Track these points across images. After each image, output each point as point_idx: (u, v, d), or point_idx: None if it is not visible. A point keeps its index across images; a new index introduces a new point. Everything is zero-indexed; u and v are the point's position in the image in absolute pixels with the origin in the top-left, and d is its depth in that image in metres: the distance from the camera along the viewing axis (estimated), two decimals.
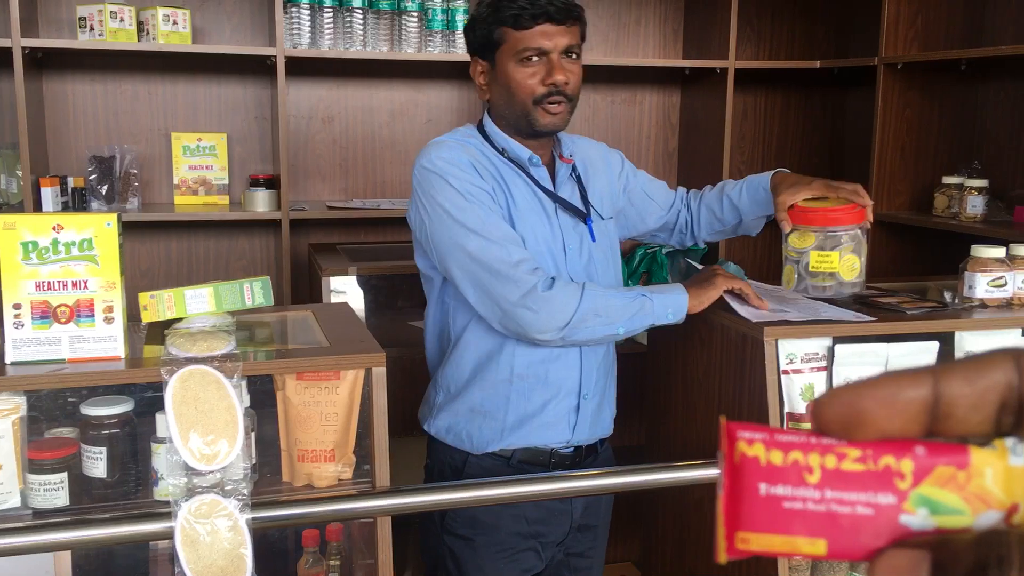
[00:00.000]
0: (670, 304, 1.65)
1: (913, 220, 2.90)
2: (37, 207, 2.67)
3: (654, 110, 3.53)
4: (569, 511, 1.79)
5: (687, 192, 2.00)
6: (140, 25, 2.78)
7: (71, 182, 2.82)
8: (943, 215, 2.81)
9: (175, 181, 3.03)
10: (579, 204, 1.78)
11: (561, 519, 1.78)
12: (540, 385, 1.73)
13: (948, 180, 2.81)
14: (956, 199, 2.76)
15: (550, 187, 1.75)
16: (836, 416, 0.35)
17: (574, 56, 1.69)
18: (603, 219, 1.82)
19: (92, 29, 2.72)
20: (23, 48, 2.59)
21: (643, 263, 2.26)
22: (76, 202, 2.81)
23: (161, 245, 3.10)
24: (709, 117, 3.33)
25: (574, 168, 1.81)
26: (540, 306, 1.58)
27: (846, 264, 1.71)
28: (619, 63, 3.20)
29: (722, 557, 0.36)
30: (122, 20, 2.72)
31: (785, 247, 1.76)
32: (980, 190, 2.70)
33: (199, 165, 3.04)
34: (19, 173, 2.76)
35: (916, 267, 3.03)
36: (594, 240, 1.77)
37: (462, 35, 3.02)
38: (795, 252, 1.74)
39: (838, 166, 3.67)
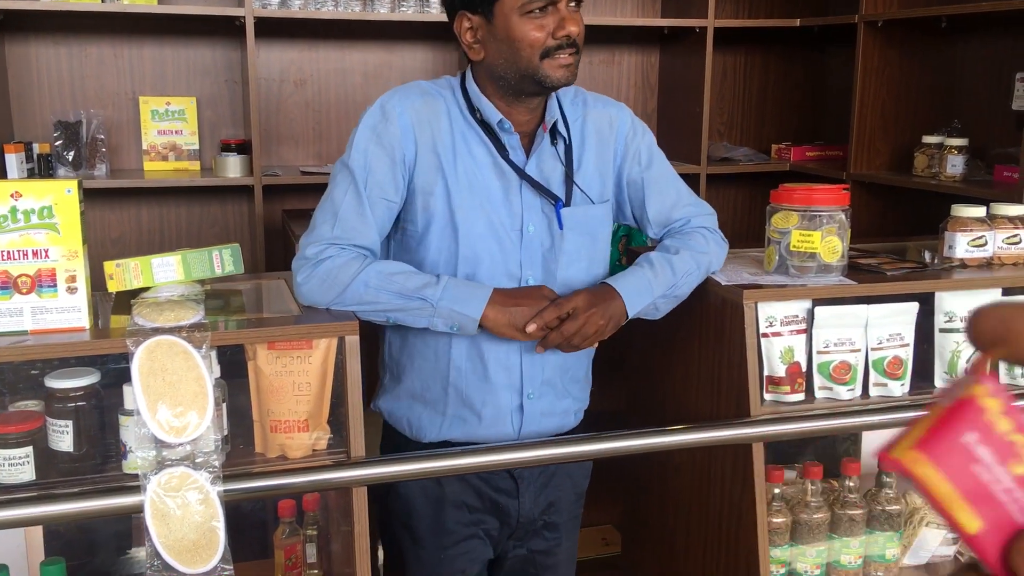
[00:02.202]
0: (455, 320, 1.52)
1: (893, 180, 2.88)
2: (2, 174, 2.60)
3: (633, 71, 3.48)
4: (516, 504, 1.69)
5: (693, 227, 1.74)
6: None
7: (36, 148, 2.75)
8: (923, 175, 2.79)
9: (144, 147, 2.96)
10: (557, 183, 1.62)
11: (506, 512, 1.69)
12: (479, 381, 1.62)
13: (928, 139, 2.79)
14: (936, 158, 2.74)
15: (520, 160, 1.60)
16: (988, 329, 0.38)
17: (578, 5, 1.56)
18: (592, 203, 1.65)
19: None
20: None
21: (622, 227, 2.22)
22: (42, 168, 2.74)
23: (131, 213, 3.04)
24: (688, 77, 3.29)
25: (566, 138, 1.64)
26: (306, 275, 1.52)
27: (827, 246, 1.69)
28: (597, 23, 3.14)
29: (886, 455, 0.37)
30: None
31: (768, 228, 1.73)
32: (960, 149, 2.68)
33: (168, 130, 2.97)
34: None
35: (897, 227, 3.02)
36: (561, 228, 1.61)
37: None
38: (778, 233, 1.71)
39: (819, 125, 3.65)
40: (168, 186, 2.94)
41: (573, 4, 1.54)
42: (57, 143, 2.77)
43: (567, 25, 1.50)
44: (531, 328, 1.52)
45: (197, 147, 3.00)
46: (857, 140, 2.97)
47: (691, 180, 3.23)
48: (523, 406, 1.64)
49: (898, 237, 2.46)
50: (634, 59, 3.48)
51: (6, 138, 2.74)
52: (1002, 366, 1.80)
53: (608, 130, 1.69)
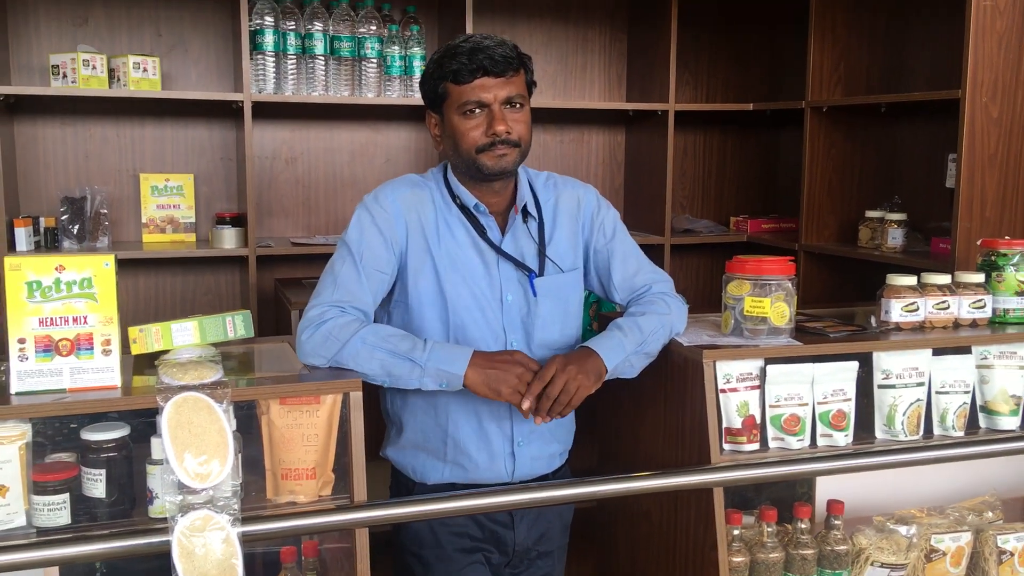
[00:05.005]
0: (443, 378, 1.67)
1: (840, 251, 3.14)
2: (11, 247, 2.77)
3: (601, 149, 3.75)
4: (512, 535, 1.89)
5: (655, 293, 1.94)
6: (111, 72, 2.90)
7: (43, 222, 2.92)
8: (867, 246, 3.04)
9: (143, 220, 3.14)
10: (531, 257, 1.83)
11: (503, 541, 1.89)
12: (473, 432, 1.81)
13: (871, 214, 3.05)
14: (878, 231, 2.99)
15: (496, 238, 1.81)
16: None
17: (518, 105, 1.75)
18: (562, 271, 1.85)
19: (65, 76, 2.84)
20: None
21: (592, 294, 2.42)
22: (48, 242, 2.91)
23: (129, 282, 3.20)
24: (652, 155, 3.55)
25: (536, 217, 1.85)
26: (310, 333, 1.69)
27: (776, 311, 1.91)
28: (567, 106, 3.40)
29: None
30: (94, 68, 2.85)
31: (724, 295, 1.95)
32: (899, 223, 2.94)
33: (167, 204, 3.16)
34: None
35: (845, 294, 3.26)
36: (535, 296, 1.81)
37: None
38: (732, 299, 1.93)
39: (773, 200, 3.92)
40: (167, 257, 3.12)
41: (508, 106, 1.74)
42: (63, 217, 2.95)
43: (495, 125, 1.72)
44: (526, 406, 1.68)
45: (193, 220, 3.19)
46: (807, 214, 3.23)
47: (656, 250, 3.47)
48: (514, 452, 1.84)
49: (847, 303, 2.69)
50: (602, 138, 3.74)
51: (14, 213, 2.91)
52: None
53: (576, 208, 1.91)
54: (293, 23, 3.10)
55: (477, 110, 1.73)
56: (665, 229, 3.47)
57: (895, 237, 2.93)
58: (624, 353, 1.79)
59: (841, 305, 2.49)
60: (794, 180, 3.36)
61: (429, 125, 1.84)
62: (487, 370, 1.68)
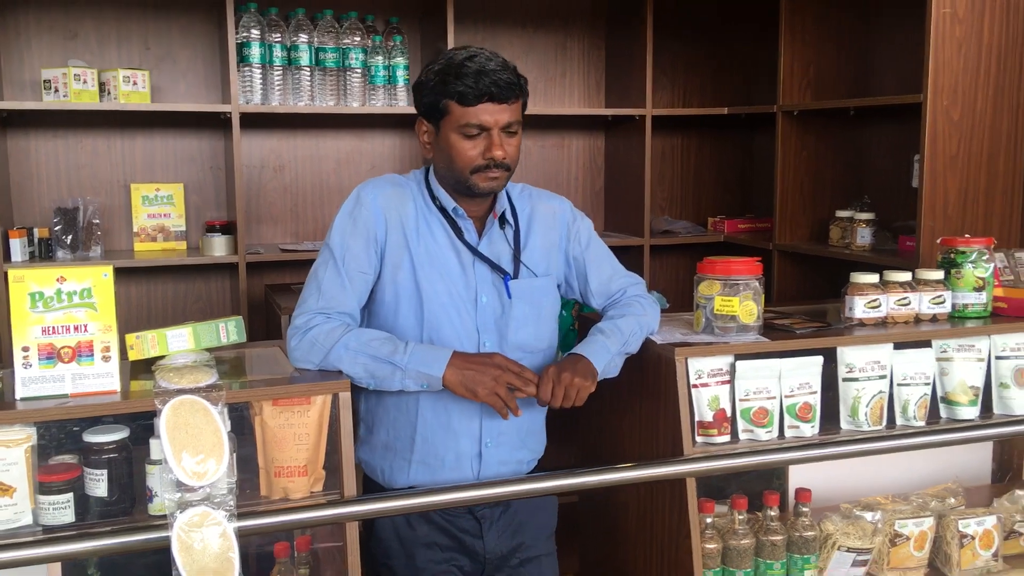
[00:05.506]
0: (423, 379, 1.75)
1: (812, 250, 3.24)
2: (6, 257, 2.84)
3: (581, 154, 3.84)
4: (481, 543, 1.92)
5: (630, 296, 2.03)
6: (102, 86, 2.98)
7: (37, 233, 3.00)
8: (837, 245, 3.15)
9: (135, 229, 3.22)
10: (506, 260, 1.90)
11: (473, 550, 1.92)
12: (442, 430, 1.86)
13: (840, 214, 3.16)
14: (848, 230, 3.10)
15: (473, 240, 1.88)
16: None
17: (514, 130, 1.81)
18: (536, 276, 1.93)
19: (57, 91, 2.91)
20: None
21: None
22: (42, 252, 2.99)
23: (122, 290, 3.28)
24: (631, 159, 3.65)
25: (513, 224, 1.93)
26: (298, 341, 1.79)
27: (745, 309, 2.00)
28: (547, 112, 3.50)
29: None
30: (85, 82, 2.92)
31: (696, 295, 2.05)
32: (868, 222, 3.05)
33: (158, 213, 3.23)
34: None
35: (817, 291, 3.36)
36: (509, 297, 1.88)
37: (403, 90, 3.30)
38: (703, 299, 2.03)
39: (749, 200, 4.02)
40: (158, 265, 3.20)
41: (504, 131, 1.81)
42: (56, 228, 3.02)
43: (494, 150, 1.78)
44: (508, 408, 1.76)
45: (184, 228, 3.27)
46: (780, 214, 3.33)
47: (636, 251, 3.57)
48: (482, 453, 1.90)
49: (818, 300, 2.79)
50: (582, 143, 3.84)
51: (8, 224, 2.98)
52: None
53: (552, 219, 1.99)
54: (279, 35, 3.18)
55: (477, 132, 1.78)
56: (644, 231, 3.57)
57: (864, 236, 3.04)
58: (609, 354, 1.89)
59: (811, 302, 2.59)
60: (769, 181, 3.46)
61: (419, 131, 1.88)
62: (464, 371, 1.75)
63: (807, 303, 2.60)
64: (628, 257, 3.67)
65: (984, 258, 2.25)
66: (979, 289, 2.23)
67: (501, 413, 1.77)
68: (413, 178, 1.94)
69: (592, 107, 3.80)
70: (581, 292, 2.05)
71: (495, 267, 1.90)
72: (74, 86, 2.91)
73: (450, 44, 3.19)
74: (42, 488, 1.58)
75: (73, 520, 1.60)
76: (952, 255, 2.27)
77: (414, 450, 1.89)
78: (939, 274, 2.23)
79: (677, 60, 3.88)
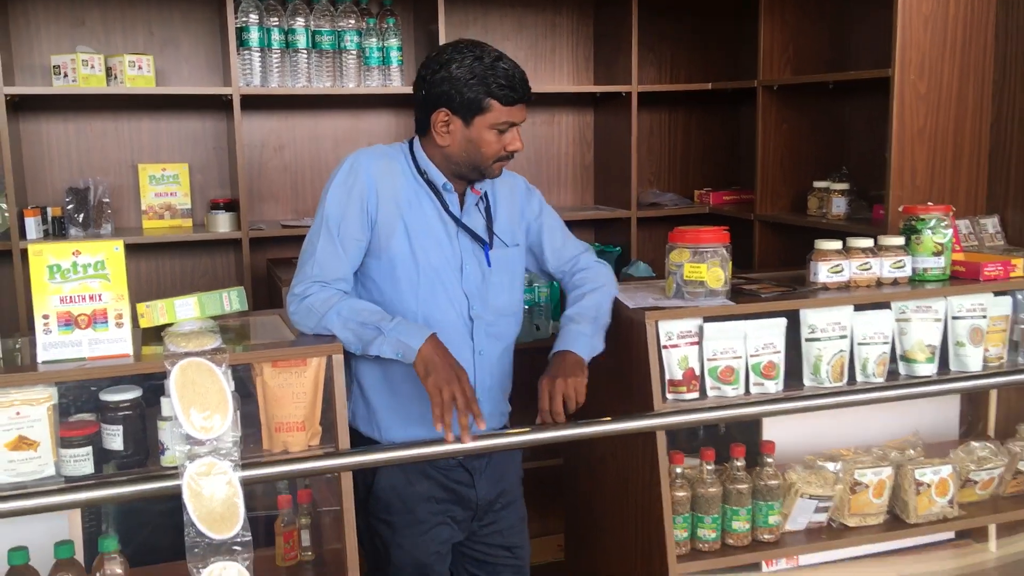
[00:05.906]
0: (400, 348, 1.85)
1: (791, 219, 3.37)
2: (22, 235, 3.00)
3: (570, 130, 3.97)
4: (474, 492, 2.08)
5: (582, 267, 2.18)
6: (109, 71, 3.12)
7: (50, 212, 3.15)
8: (815, 214, 3.28)
9: (143, 207, 3.37)
10: (481, 231, 2.04)
11: (467, 499, 2.08)
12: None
13: (818, 184, 3.29)
14: (824, 200, 3.23)
15: (457, 212, 2.02)
16: None
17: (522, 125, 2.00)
18: (507, 246, 2.08)
19: (66, 76, 3.05)
20: (5, 96, 2.92)
21: None
22: (56, 230, 3.14)
23: (132, 265, 3.43)
24: (619, 135, 3.77)
25: (484, 199, 2.07)
26: (295, 307, 1.93)
27: (712, 275, 2.14)
28: (537, 89, 3.59)
29: None
30: (92, 67, 3.06)
31: (667, 263, 2.19)
32: (843, 192, 3.18)
33: (164, 192, 3.38)
34: (3, 206, 3.08)
35: (798, 259, 3.46)
36: (489, 265, 2.04)
37: (397, 70, 3.43)
38: (674, 266, 2.17)
39: (734, 173, 4.15)
40: (166, 241, 3.35)
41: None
42: (69, 207, 3.17)
43: (516, 143, 1.97)
44: (450, 437, 1.83)
45: (189, 206, 3.42)
46: (761, 186, 3.46)
47: (624, 223, 3.71)
48: None
49: (798, 267, 2.92)
50: (571, 119, 3.96)
51: (23, 204, 3.13)
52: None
53: (510, 193, 2.14)
54: (276, 19, 3.31)
55: (507, 128, 1.95)
56: (632, 203, 3.71)
57: (839, 205, 3.17)
58: (586, 337, 2.04)
59: (783, 269, 2.72)
60: (752, 155, 3.59)
61: (435, 120, 1.95)
62: (434, 355, 1.84)
63: (785, 270, 2.73)
64: (616, 229, 3.81)
65: (943, 224, 2.37)
66: (938, 254, 2.36)
67: (433, 412, 1.82)
68: (399, 150, 2.06)
69: (581, 84, 3.92)
70: (537, 258, 2.19)
71: (476, 237, 2.04)
72: (82, 71, 3.05)
73: (441, 25, 3.31)
74: (64, 442, 1.74)
75: (92, 471, 1.76)
76: (913, 222, 2.40)
77: (411, 404, 2.01)
78: (900, 240, 2.36)
79: (663, 37, 3.99)
